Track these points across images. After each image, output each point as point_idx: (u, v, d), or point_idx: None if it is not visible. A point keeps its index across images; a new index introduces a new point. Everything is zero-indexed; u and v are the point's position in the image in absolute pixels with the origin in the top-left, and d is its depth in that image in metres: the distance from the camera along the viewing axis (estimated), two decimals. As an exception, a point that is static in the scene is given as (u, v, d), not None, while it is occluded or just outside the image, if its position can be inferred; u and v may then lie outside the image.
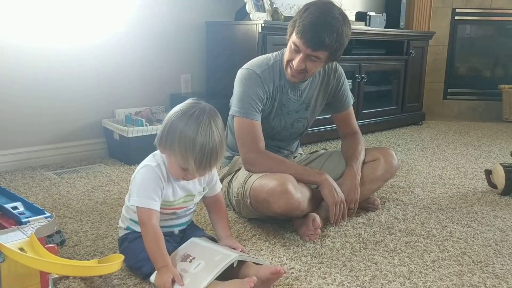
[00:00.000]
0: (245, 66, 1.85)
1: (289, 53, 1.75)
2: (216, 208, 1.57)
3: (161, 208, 1.39)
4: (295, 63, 1.73)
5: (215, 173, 1.53)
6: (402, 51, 4.04)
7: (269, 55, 1.88)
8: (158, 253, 1.31)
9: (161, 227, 1.38)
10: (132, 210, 1.43)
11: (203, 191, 1.50)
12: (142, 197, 1.35)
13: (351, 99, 2.02)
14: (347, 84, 2.01)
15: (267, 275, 1.31)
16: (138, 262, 1.37)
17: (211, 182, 1.53)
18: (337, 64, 1.96)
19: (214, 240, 1.53)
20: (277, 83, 1.83)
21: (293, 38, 1.70)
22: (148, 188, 1.35)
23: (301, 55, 1.70)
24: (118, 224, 1.57)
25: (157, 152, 1.40)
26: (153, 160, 1.40)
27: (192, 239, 1.44)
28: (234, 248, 1.44)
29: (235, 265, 1.32)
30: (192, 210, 1.52)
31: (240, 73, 1.83)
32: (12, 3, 2.46)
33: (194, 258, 1.34)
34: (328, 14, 1.66)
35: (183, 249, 1.39)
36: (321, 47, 1.67)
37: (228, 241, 1.49)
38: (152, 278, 1.30)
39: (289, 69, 1.78)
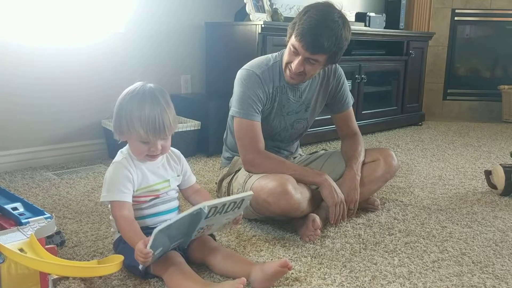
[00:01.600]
0: (244, 67, 1.85)
1: (288, 55, 1.76)
2: (199, 193, 1.60)
3: (139, 196, 1.44)
4: (293, 65, 1.73)
5: (187, 167, 1.58)
6: (402, 52, 4.04)
7: (269, 56, 1.88)
8: (134, 236, 1.33)
9: (150, 215, 1.44)
10: None
11: (177, 177, 1.54)
12: (110, 192, 1.41)
13: (351, 99, 2.03)
14: (347, 84, 2.01)
15: (275, 268, 1.33)
16: (133, 261, 1.36)
17: (185, 174, 1.57)
18: (337, 65, 1.96)
19: (213, 236, 1.55)
20: (276, 84, 1.83)
21: (292, 40, 1.71)
22: (115, 182, 1.41)
23: (299, 57, 1.70)
24: (111, 229, 1.57)
25: (123, 148, 1.49)
26: (120, 155, 1.48)
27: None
28: None
29: (206, 211, 1.28)
30: (174, 196, 1.54)
31: (240, 74, 1.83)
32: (12, 3, 2.46)
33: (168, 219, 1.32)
34: (328, 18, 1.66)
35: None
36: (320, 50, 1.67)
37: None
38: (140, 266, 1.31)
39: (288, 71, 1.78)
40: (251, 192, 1.46)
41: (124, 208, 1.39)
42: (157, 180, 1.48)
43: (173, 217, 1.27)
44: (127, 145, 1.48)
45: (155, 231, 1.23)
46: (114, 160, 1.48)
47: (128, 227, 1.36)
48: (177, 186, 1.56)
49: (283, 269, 1.34)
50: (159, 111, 1.37)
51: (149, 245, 1.23)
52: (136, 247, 1.27)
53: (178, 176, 1.54)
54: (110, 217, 1.50)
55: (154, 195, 1.47)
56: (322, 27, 1.65)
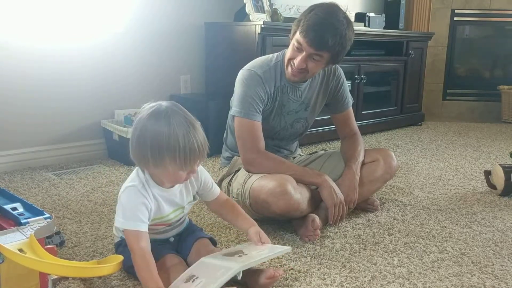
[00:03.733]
0: (246, 67, 1.85)
1: (291, 52, 1.76)
2: (227, 207, 1.53)
3: (153, 225, 1.36)
4: (296, 61, 1.73)
5: (207, 179, 1.47)
6: (401, 52, 4.04)
7: (270, 55, 1.89)
8: (149, 278, 1.24)
9: (154, 239, 1.35)
10: None
11: (193, 200, 1.47)
12: (128, 219, 1.28)
13: (350, 100, 2.03)
14: (347, 84, 2.02)
15: (263, 279, 1.32)
16: (132, 266, 1.35)
17: (206, 189, 1.48)
18: (337, 65, 1.96)
19: (213, 241, 1.53)
20: (278, 84, 1.84)
21: (297, 36, 1.71)
22: (134, 209, 1.29)
23: (303, 54, 1.71)
24: (112, 231, 1.56)
25: (138, 170, 1.34)
26: (137, 179, 1.33)
27: (202, 259, 1.37)
28: (262, 242, 1.42)
29: (239, 278, 1.28)
30: (183, 220, 1.50)
31: (241, 73, 1.84)
32: (12, 3, 2.46)
33: (197, 278, 1.29)
34: (333, 17, 1.68)
35: (189, 270, 1.34)
36: (324, 47, 1.68)
37: (253, 234, 1.44)
38: None
39: (289, 68, 1.78)
40: (289, 248, 1.45)
41: (142, 240, 1.27)
42: (171, 209, 1.39)
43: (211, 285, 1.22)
44: (139, 169, 1.34)
45: None
46: (129, 183, 1.32)
47: (145, 266, 1.25)
48: (201, 198, 1.50)
49: (271, 280, 1.33)
50: (192, 133, 1.24)
51: None
52: None
53: (194, 199, 1.47)
54: (115, 223, 1.42)
55: (167, 224, 1.41)
56: (327, 25, 1.66)
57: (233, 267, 1.29)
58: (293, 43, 1.74)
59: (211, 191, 1.50)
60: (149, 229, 1.32)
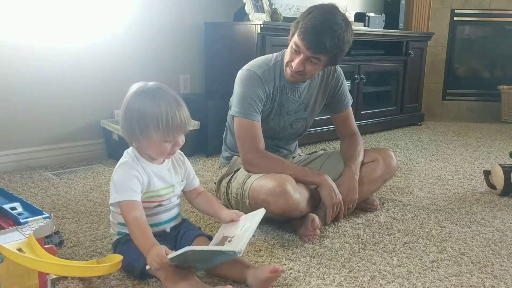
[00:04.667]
0: (245, 67, 1.86)
1: (289, 54, 1.76)
2: (204, 196, 1.58)
3: (145, 201, 1.40)
4: (294, 64, 1.73)
5: (190, 169, 1.55)
6: (401, 52, 4.04)
7: (270, 55, 1.89)
8: (144, 239, 1.30)
9: (151, 225, 1.38)
10: (117, 213, 1.43)
11: (182, 182, 1.51)
12: (121, 192, 1.35)
13: (350, 99, 2.03)
14: (346, 84, 2.02)
15: (266, 274, 1.31)
16: (130, 263, 1.36)
17: (189, 177, 1.55)
18: (336, 65, 1.97)
19: (211, 238, 1.53)
20: (277, 84, 1.84)
21: (295, 39, 1.71)
22: (124, 182, 1.36)
23: (301, 56, 1.71)
24: (110, 231, 1.56)
25: (128, 149, 1.44)
26: (127, 156, 1.42)
27: (191, 247, 1.39)
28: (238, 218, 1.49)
29: (240, 255, 1.31)
30: (174, 204, 1.52)
31: (241, 74, 1.84)
32: (11, 3, 2.46)
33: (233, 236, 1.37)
34: (332, 19, 1.67)
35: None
36: (322, 50, 1.67)
37: (226, 215, 1.50)
38: (148, 267, 1.30)
39: (288, 69, 1.78)
40: (263, 210, 1.48)
41: (135, 209, 1.34)
42: (162, 185, 1.44)
43: (211, 247, 1.26)
44: (131, 147, 1.44)
45: (186, 248, 1.22)
46: (120, 162, 1.42)
47: (140, 232, 1.32)
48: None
49: (275, 274, 1.33)
50: (175, 106, 1.35)
51: (172, 255, 1.22)
52: (155, 250, 1.24)
53: (182, 181, 1.52)
54: (110, 218, 1.49)
55: (158, 201, 1.44)
56: (325, 28, 1.66)
57: (229, 248, 1.31)
58: (291, 45, 1.74)
59: (192, 181, 1.56)
60: (143, 207, 1.37)
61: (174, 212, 1.52)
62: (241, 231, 1.40)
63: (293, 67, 1.74)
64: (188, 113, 1.39)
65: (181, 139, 1.39)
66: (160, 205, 1.46)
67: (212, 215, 1.60)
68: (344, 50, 1.73)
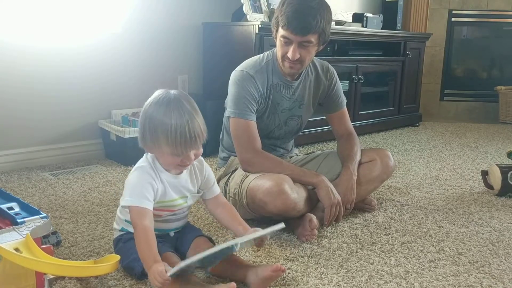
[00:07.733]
0: (238, 68, 1.87)
1: (281, 48, 1.78)
2: (225, 207, 1.53)
3: (156, 209, 1.38)
4: (290, 54, 1.75)
5: (210, 176, 1.51)
6: (399, 53, 4.04)
7: (260, 55, 1.91)
8: (148, 254, 1.27)
9: (156, 229, 1.35)
10: (126, 211, 1.42)
11: (197, 194, 1.49)
12: (134, 197, 1.33)
13: (344, 99, 2.04)
14: (340, 84, 2.03)
15: (268, 273, 1.32)
16: (130, 262, 1.37)
17: (208, 184, 1.51)
18: (329, 65, 2.00)
19: (212, 240, 1.53)
20: (270, 82, 1.85)
21: (281, 32, 1.74)
22: (140, 188, 1.33)
23: (293, 45, 1.73)
24: (113, 226, 1.56)
25: (148, 155, 1.41)
26: (145, 161, 1.40)
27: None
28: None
29: (237, 249, 1.30)
30: (185, 214, 1.51)
31: (234, 75, 1.85)
32: (10, 3, 2.46)
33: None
34: (306, 1, 1.71)
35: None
36: (309, 30, 1.70)
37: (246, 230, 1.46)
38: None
39: (286, 63, 1.79)
40: (282, 225, 1.44)
41: (145, 217, 1.31)
42: (175, 196, 1.42)
43: (205, 252, 1.23)
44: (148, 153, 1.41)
45: (184, 263, 1.21)
46: (138, 165, 1.40)
47: (146, 245, 1.27)
48: (201, 197, 1.51)
49: (277, 273, 1.33)
50: (187, 119, 1.29)
51: (171, 272, 1.20)
52: (155, 268, 1.21)
53: (198, 192, 1.49)
54: (118, 213, 1.48)
55: (171, 210, 1.43)
56: (304, 9, 1.69)
57: (232, 241, 1.31)
58: (279, 39, 1.77)
59: (212, 188, 1.52)
60: (153, 214, 1.35)
61: (184, 220, 1.52)
62: (251, 234, 1.39)
63: (290, 56, 1.75)
64: (202, 127, 1.33)
65: (194, 153, 1.34)
66: (172, 214, 1.45)
67: (233, 230, 1.55)
68: (329, 21, 1.76)
